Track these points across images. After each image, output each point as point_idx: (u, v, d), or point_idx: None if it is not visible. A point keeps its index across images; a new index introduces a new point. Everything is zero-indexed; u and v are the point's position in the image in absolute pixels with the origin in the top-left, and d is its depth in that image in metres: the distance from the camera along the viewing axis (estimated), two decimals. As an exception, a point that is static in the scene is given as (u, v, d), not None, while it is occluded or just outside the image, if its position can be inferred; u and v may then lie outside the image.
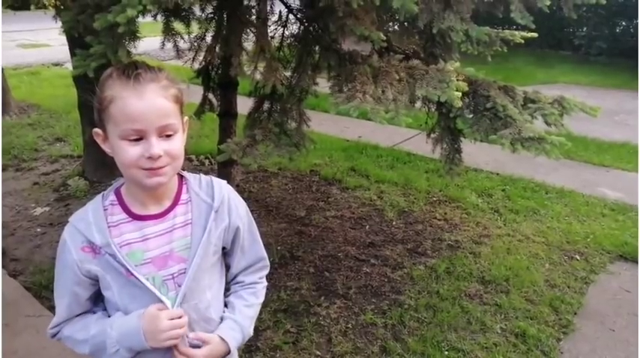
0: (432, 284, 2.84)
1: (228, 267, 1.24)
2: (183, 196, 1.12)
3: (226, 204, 1.15)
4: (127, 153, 0.99)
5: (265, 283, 1.29)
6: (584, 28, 9.57)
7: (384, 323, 2.53)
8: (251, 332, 1.22)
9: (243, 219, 1.19)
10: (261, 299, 1.26)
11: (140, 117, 0.98)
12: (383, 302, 2.69)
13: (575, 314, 2.63)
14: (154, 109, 0.98)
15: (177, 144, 1.03)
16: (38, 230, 3.44)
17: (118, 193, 1.10)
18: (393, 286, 2.83)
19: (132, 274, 1.06)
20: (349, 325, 2.52)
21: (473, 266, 3.03)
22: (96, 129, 1.05)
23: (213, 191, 1.14)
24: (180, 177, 1.14)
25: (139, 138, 0.99)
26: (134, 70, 1.00)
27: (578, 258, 3.15)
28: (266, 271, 1.28)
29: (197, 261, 1.10)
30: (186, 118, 1.10)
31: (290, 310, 2.61)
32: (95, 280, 1.09)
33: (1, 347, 2.30)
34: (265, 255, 1.28)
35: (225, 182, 1.18)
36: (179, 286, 1.09)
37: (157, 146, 0.99)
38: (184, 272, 1.09)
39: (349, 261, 3.06)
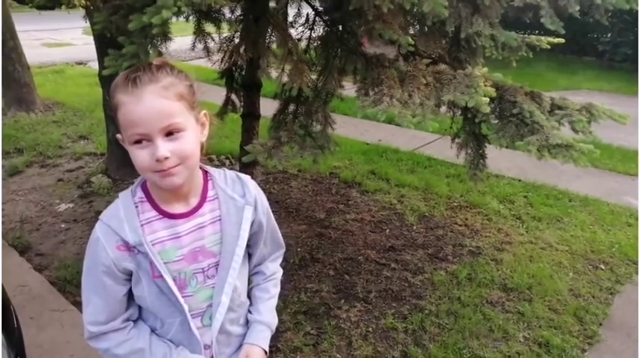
0: (453, 290, 2.82)
1: (249, 256, 1.27)
2: (210, 193, 1.14)
3: (253, 200, 1.17)
4: (138, 157, 1.00)
5: (281, 270, 1.35)
6: (609, 34, 9.40)
7: (404, 328, 2.52)
8: (276, 320, 1.30)
9: (268, 214, 1.23)
10: (279, 286, 1.34)
11: (141, 122, 0.97)
12: (403, 306, 2.68)
13: (601, 325, 2.58)
14: (154, 111, 0.98)
15: (186, 143, 1.01)
16: (62, 226, 3.50)
17: (145, 189, 1.11)
18: (414, 291, 2.81)
19: (158, 276, 1.08)
20: (369, 329, 2.51)
21: (494, 273, 2.99)
22: (118, 135, 1.06)
23: (243, 188, 1.16)
24: (205, 173, 1.15)
25: (146, 141, 0.99)
26: (134, 73, 1.00)
27: (603, 267, 3.09)
28: (282, 257, 1.35)
29: (237, 256, 1.14)
30: (204, 112, 1.09)
31: (310, 312, 2.61)
32: (130, 275, 1.11)
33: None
34: (283, 242, 1.33)
35: (249, 177, 1.20)
36: (208, 278, 1.13)
37: (163, 147, 0.98)
38: (214, 266, 1.13)
39: (369, 265, 3.05)
